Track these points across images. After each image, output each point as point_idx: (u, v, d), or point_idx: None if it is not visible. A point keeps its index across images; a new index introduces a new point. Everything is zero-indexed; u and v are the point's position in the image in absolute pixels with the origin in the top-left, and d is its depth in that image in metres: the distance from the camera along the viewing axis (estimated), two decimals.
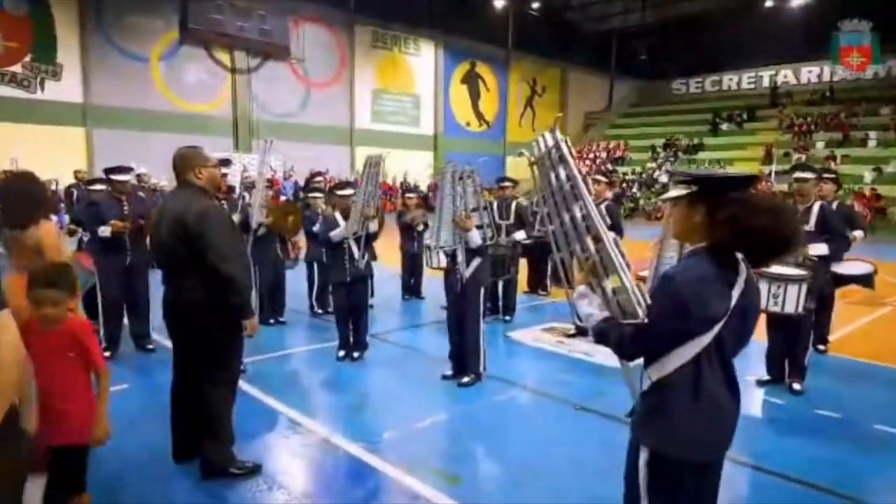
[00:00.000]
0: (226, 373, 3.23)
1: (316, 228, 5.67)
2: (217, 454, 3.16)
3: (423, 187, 24.87)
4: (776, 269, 4.09)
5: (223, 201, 5.24)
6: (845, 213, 5.70)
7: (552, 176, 2.23)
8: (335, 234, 5.14)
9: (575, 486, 3.20)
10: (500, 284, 6.84)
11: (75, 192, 11.60)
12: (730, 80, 32.95)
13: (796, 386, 4.59)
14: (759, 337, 1.92)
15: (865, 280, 5.35)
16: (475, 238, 4.60)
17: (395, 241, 7.79)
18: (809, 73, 29.68)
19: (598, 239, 1.96)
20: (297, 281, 6.95)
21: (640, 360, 1.85)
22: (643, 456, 1.80)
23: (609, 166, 27.82)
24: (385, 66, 26.82)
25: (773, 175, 15.91)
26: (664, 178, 24.84)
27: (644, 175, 27.21)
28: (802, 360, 4.61)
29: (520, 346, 5.94)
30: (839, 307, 6.06)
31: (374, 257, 5.63)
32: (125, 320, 5.41)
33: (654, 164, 27.67)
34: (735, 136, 27.88)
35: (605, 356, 5.16)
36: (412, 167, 26.08)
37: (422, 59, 28.16)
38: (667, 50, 33.00)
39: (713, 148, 27.27)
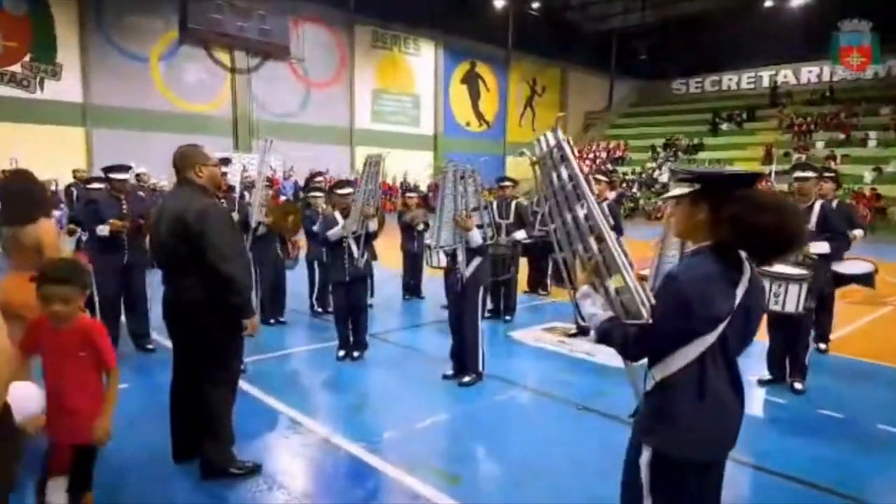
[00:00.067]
0: (226, 373, 3.22)
1: (316, 228, 5.67)
2: (217, 454, 3.15)
3: (423, 187, 24.86)
4: (777, 268, 4.08)
5: (223, 200, 5.22)
6: (846, 211, 5.70)
7: (554, 175, 2.22)
8: (333, 234, 5.13)
9: (575, 486, 3.19)
10: (502, 284, 6.83)
11: (75, 192, 11.59)
12: (730, 80, 32.96)
13: (798, 385, 4.58)
14: (760, 336, 1.91)
15: (866, 279, 5.35)
16: (476, 238, 4.59)
17: (395, 241, 7.79)
18: (809, 73, 29.69)
19: (600, 238, 1.95)
20: (297, 281, 6.94)
21: (644, 360, 1.84)
22: (645, 455, 1.79)
23: (609, 166, 27.82)
24: (385, 66, 26.81)
25: (773, 175, 15.92)
26: (664, 178, 24.84)
27: (644, 175, 27.20)
28: (803, 359, 4.61)
29: (521, 346, 5.93)
30: (840, 307, 6.06)
31: (374, 257, 5.63)
32: (123, 320, 5.40)
33: (654, 164, 27.66)
34: (735, 136, 27.89)
35: (607, 356, 5.16)
36: (412, 167, 26.08)
37: (422, 59, 28.15)
38: (667, 50, 32.99)
39: (713, 148, 27.27)
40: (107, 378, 2.55)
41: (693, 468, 1.78)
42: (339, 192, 5.36)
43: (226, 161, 6.12)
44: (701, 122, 29.56)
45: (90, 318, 2.61)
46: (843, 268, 5.02)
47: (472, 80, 30.17)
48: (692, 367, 1.70)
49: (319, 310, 6.90)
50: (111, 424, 2.51)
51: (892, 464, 3.60)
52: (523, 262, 7.71)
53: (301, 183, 19.07)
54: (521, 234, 6.83)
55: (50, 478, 2.52)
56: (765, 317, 4.28)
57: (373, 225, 5.15)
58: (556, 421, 4.12)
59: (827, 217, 4.57)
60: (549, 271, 7.86)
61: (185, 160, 3.10)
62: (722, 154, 26.03)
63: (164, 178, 11.90)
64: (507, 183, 7.18)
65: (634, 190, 26.32)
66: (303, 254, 6.83)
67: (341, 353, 5.30)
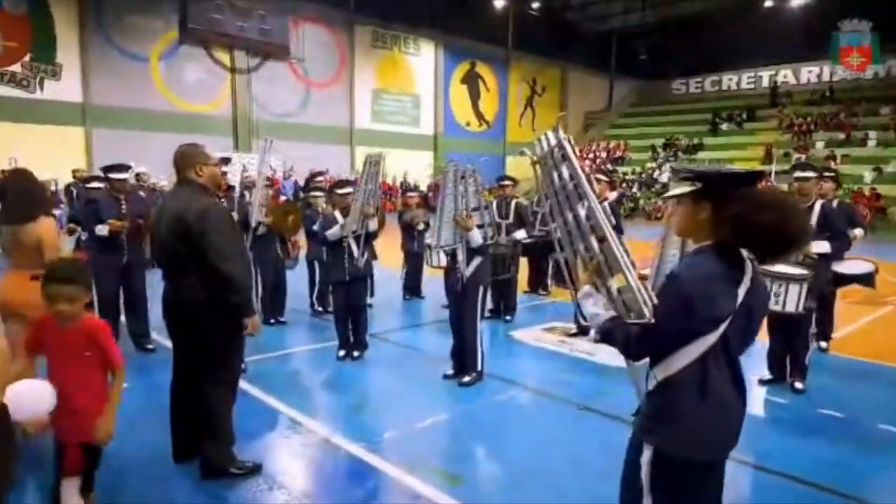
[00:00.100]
0: (226, 372, 3.21)
1: (316, 227, 5.67)
2: (217, 454, 3.14)
3: (423, 187, 24.86)
4: (778, 267, 4.08)
5: (223, 199, 5.22)
6: (846, 211, 5.70)
7: (555, 175, 2.22)
8: (332, 233, 5.12)
9: (576, 486, 3.18)
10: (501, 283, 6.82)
11: (74, 191, 11.59)
12: (730, 80, 32.94)
13: (798, 385, 4.58)
14: (761, 336, 1.90)
15: (866, 279, 5.34)
16: (476, 237, 4.59)
17: (396, 241, 7.78)
18: (809, 73, 29.67)
19: (602, 238, 1.94)
20: (297, 280, 6.93)
21: (646, 360, 1.83)
22: (646, 455, 1.78)
23: (609, 166, 27.81)
24: (385, 66, 26.80)
25: (773, 175, 15.94)
26: (664, 178, 24.83)
27: (644, 175, 27.20)
28: (803, 358, 4.61)
29: (521, 346, 5.92)
30: (840, 307, 6.06)
31: (374, 256, 5.62)
32: (122, 319, 5.39)
33: (654, 164, 27.66)
34: (735, 136, 27.88)
35: (607, 356, 5.16)
36: (412, 167, 26.08)
37: (422, 59, 28.14)
38: (667, 50, 32.98)
39: (713, 148, 27.25)
40: (112, 377, 2.54)
41: (694, 468, 1.77)
42: (339, 191, 5.35)
43: (226, 160, 6.12)
44: (701, 122, 29.55)
45: (96, 317, 2.60)
46: (843, 268, 5.02)
47: (472, 79, 30.16)
48: (694, 367, 1.70)
49: (320, 309, 6.90)
50: (114, 424, 2.51)
51: (893, 463, 3.59)
52: (523, 262, 7.71)
53: (301, 183, 19.06)
54: (521, 234, 6.83)
55: (63, 478, 2.52)
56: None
57: (373, 224, 5.14)
58: (557, 421, 4.11)
59: (827, 217, 4.57)
60: (551, 271, 7.85)
61: (185, 159, 3.09)
62: (722, 154, 26.00)
63: (163, 178, 11.89)
64: (506, 182, 7.17)
65: (634, 190, 26.31)
66: (303, 253, 6.83)
67: (341, 352, 5.30)
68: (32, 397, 2.25)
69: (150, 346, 5.35)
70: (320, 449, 3.61)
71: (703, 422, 1.72)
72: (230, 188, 5.86)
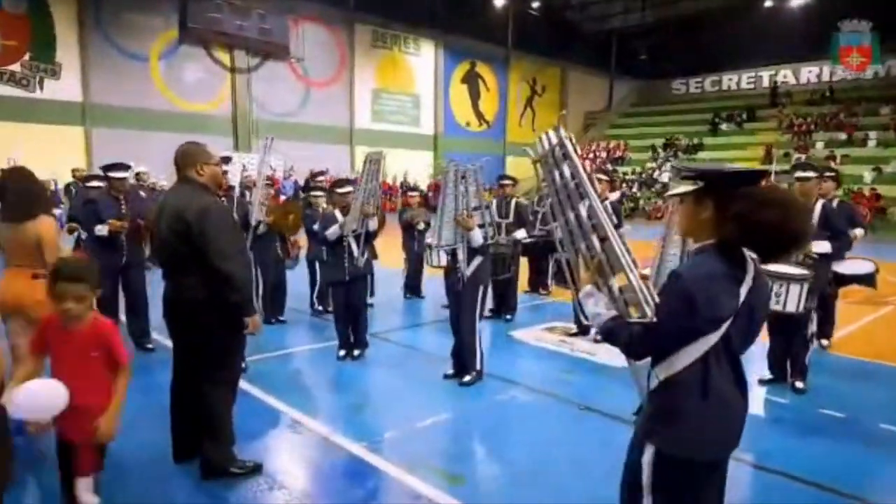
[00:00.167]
0: (226, 372, 3.20)
1: (316, 227, 5.66)
2: (217, 454, 3.14)
3: (423, 187, 24.85)
4: (779, 267, 4.08)
5: (223, 198, 5.21)
6: (847, 211, 5.69)
7: (556, 174, 2.21)
8: (331, 233, 5.11)
9: (576, 486, 3.18)
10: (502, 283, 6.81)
11: (74, 190, 11.58)
12: (729, 80, 32.94)
13: (799, 384, 4.58)
14: (761, 335, 1.89)
15: (867, 279, 5.34)
16: (477, 237, 4.58)
17: (396, 241, 7.78)
18: (809, 73, 29.68)
19: (603, 237, 1.94)
20: (297, 280, 6.93)
21: (648, 359, 1.83)
22: (648, 455, 1.78)
23: (609, 166, 27.82)
24: (385, 66, 26.79)
25: (773, 175, 15.95)
26: (664, 178, 24.82)
27: (644, 175, 27.20)
28: (804, 358, 4.60)
29: (521, 346, 5.92)
30: (841, 307, 6.06)
31: (374, 256, 5.61)
32: (122, 319, 5.39)
33: (654, 164, 27.66)
34: (735, 136, 27.89)
35: (608, 355, 5.16)
36: (412, 167, 26.07)
37: (422, 59, 28.13)
38: (667, 50, 32.97)
39: (713, 148, 27.26)
40: (116, 375, 2.53)
41: (696, 468, 1.77)
42: (339, 190, 5.34)
43: (226, 159, 6.11)
44: (701, 122, 29.55)
45: (102, 317, 2.58)
46: (844, 268, 5.02)
47: (472, 79, 30.15)
48: (696, 366, 1.69)
49: (320, 308, 6.90)
50: (116, 422, 2.49)
51: (894, 463, 3.59)
52: (523, 262, 7.70)
53: (301, 182, 19.04)
54: (521, 234, 6.82)
55: (77, 478, 2.51)
56: None
57: (373, 224, 5.14)
58: (557, 421, 4.11)
59: (828, 217, 4.57)
60: (552, 271, 7.84)
61: (186, 158, 3.08)
62: (722, 154, 26.02)
63: (163, 178, 11.88)
64: (506, 181, 7.17)
65: (634, 190, 26.31)
66: (303, 253, 6.82)
67: (342, 352, 5.29)
68: (47, 396, 2.24)
69: (150, 346, 5.35)
70: (320, 448, 3.60)
71: (705, 421, 1.71)
72: (230, 188, 5.85)
